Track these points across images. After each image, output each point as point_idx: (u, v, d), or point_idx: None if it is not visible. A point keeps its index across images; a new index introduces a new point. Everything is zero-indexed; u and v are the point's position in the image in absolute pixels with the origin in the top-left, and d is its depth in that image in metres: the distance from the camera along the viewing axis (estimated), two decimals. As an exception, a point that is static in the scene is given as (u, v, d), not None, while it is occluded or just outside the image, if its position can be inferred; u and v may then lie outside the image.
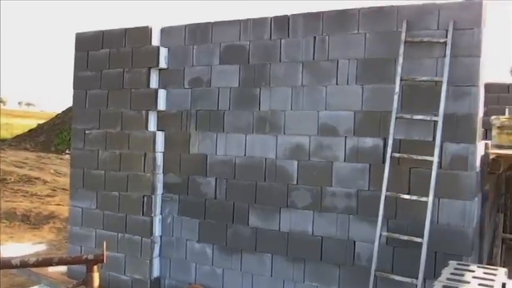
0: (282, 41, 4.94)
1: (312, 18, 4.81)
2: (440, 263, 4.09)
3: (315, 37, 4.79)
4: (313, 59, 4.78)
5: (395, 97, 4.34)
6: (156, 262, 5.51)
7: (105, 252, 3.37)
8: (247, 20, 5.12)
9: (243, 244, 5.07)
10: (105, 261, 3.38)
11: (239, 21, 5.17)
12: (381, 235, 4.29)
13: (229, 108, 5.17)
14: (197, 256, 5.34)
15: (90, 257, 3.39)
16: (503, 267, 6.16)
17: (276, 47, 4.96)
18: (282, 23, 4.94)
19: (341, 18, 4.68)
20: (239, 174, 5.10)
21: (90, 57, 5.87)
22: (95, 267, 3.39)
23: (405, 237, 4.22)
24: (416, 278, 4.09)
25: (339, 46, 4.68)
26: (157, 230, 5.50)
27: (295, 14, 4.91)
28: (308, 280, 4.76)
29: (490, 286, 3.13)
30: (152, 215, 5.44)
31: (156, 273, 5.51)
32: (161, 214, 5.54)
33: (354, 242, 4.56)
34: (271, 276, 4.92)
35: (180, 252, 5.43)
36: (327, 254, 4.67)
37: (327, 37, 4.74)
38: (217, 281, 5.22)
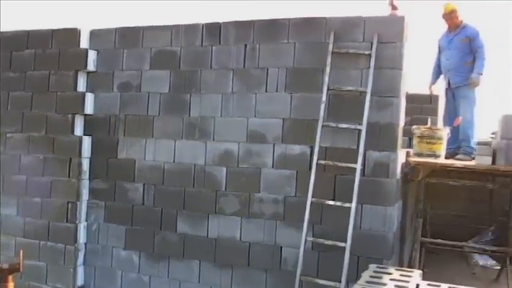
0: (213, 47, 4.95)
1: (243, 27, 4.86)
2: (362, 266, 4.21)
3: (245, 45, 4.84)
4: (244, 67, 4.83)
5: (322, 106, 4.46)
6: (80, 270, 5.33)
7: (21, 261, 3.23)
8: (179, 25, 5.11)
9: (171, 251, 5.02)
10: (21, 270, 3.24)
11: (171, 26, 5.14)
12: (306, 240, 4.38)
13: (159, 114, 5.12)
14: (123, 264, 5.21)
15: (5, 266, 3.24)
16: (423, 269, 6.47)
17: (207, 53, 4.97)
18: (214, 30, 4.96)
19: (271, 28, 4.77)
20: (168, 180, 5.05)
21: (13, 58, 5.63)
22: (10, 277, 3.24)
23: (329, 242, 4.33)
24: (340, 282, 4.20)
25: (269, 54, 4.76)
26: (81, 237, 5.33)
27: (226, 22, 4.95)
28: (235, 286, 4.77)
29: (405, 287, 3.28)
30: (77, 222, 5.26)
31: (80, 281, 5.33)
32: (86, 221, 5.37)
33: (281, 247, 4.63)
34: (199, 282, 4.89)
35: (106, 260, 5.28)
36: (255, 259, 4.71)
37: (258, 45, 4.80)
38: (144, 288, 5.12)
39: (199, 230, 4.91)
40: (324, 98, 4.46)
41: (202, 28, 5.01)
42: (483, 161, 5.00)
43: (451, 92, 6.45)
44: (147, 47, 5.20)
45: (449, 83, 6.43)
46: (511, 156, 4.80)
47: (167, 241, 5.04)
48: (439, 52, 6.61)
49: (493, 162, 4.96)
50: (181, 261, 4.98)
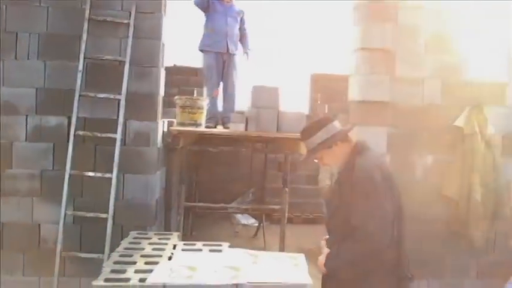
0: None
1: (-13, -15, 4.36)
2: (126, 235, 4.25)
3: (-10, 6, 4.36)
4: (-11, 30, 4.36)
5: (79, 75, 4.29)
6: None
7: None
8: None
9: None
10: None
11: None
12: (65, 214, 4.22)
13: None
14: None
15: None
16: (191, 233, 6.84)
17: None
18: None
19: (21, -12, 4.38)
20: None
21: None
22: None
23: (91, 214, 4.26)
24: (104, 253, 4.17)
25: (18, 18, 4.38)
26: None
27: (-35, -22, 4.37)
28: (-12, 272, 4.37)
29: (162, 249, 3.44)
30: None
31: None
32: None
33: (39, 224, 4.38)
34: None
35: None
36: (9, 241, 4.35)
37: (5, 7, 4.37)
38: None
39: None
40: (80, 67, 4.29)
41: None
42: (237, 128, 5.46)
43: (223, 57, 6.39)
44: None
45: (227, 48, 6.52)
46: (260, 123, 5.33)
47: None
48: (208, 7, 6.30)
49: (246, 128, 5.44)
50: None
